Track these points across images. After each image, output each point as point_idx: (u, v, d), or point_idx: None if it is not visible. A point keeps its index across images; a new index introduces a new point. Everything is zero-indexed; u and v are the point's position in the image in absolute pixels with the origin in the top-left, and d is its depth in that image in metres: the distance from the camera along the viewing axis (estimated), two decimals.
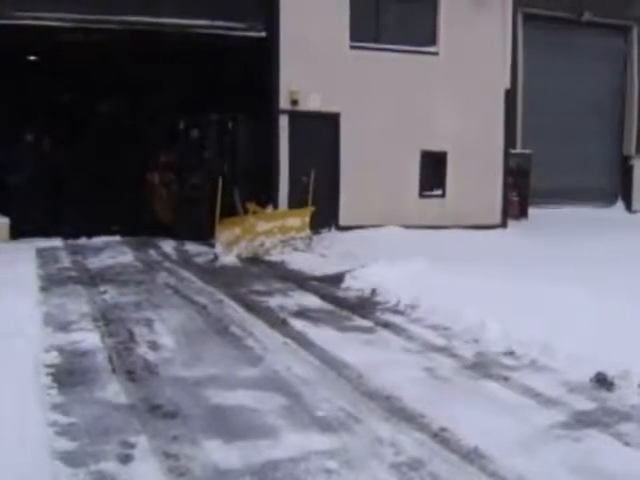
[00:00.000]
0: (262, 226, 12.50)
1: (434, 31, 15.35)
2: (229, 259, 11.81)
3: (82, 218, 13.72)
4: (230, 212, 12.64)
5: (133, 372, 5.80)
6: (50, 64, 15.01)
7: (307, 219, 12.98)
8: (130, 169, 15.83)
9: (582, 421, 4.88)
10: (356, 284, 9.57)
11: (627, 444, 4.51)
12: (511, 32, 15.97)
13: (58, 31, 12.93)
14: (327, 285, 9.87)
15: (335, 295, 9.24)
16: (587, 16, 19.15)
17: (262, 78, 14.13)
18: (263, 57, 13.98)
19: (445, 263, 9.76)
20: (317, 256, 12.12)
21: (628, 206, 20.66)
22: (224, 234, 12.05)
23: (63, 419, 4.67)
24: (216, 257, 11.69)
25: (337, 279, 10.05)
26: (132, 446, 4.30)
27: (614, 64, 20.56)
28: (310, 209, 13.07)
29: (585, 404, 5.22)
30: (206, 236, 12.46)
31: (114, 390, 5.32)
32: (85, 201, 14.62)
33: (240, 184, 13.34)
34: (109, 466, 4.04)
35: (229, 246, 11.96)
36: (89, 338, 6.76)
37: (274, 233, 12.54)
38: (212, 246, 12.33)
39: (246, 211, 13.05)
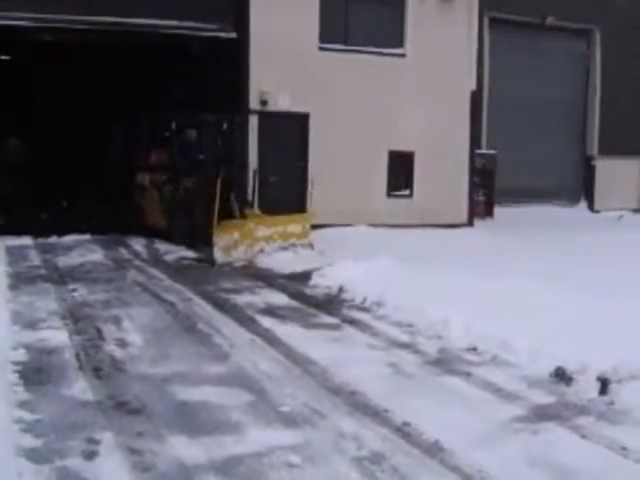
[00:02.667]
0: (262, 231, 11.97)
1: (402, 33, 15.52)
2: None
3: (52, 217, 13.59)
4: (227, 217, 12.05)
5: (100, 369, 5.81)
6: (21, 64, 14.89)
7: (308, 226, 12.54)
8: (102, 168, 15.71)
9: (541, 415, 4.98)
10: (324, 282, 9.65)
11: (584, 437, 4.60)
12: (477, 35, 16.23)
13: (29, 31, 12.84)
14: (295, 283, 9.94)
15: (303, 293, 9.31)
16: (551, 20, 19.44)
17: (233, 79, 14.15)
18: (233, 58, 14.00)
19: (411, 261, 9.85)
20: (286, 255, 12.15)
21: (591, 205, 20.97)
22: (222, 238, 11.44)
23: (29, 416, 4.67)
24: (214, 262, 11.21)
25: (305, 277, 10.12)
26: (97, 442, 4.32)
27: (577, 67, 20.89)
28: (311, 215, 12.62)
29: (544, 398, 5.32)
30: (201, 241, 11.92)
31: (81, 387, 5.34)
32: (55, 200, 14.49)
33: (237, 187, 12.90)
34: (74, 462, 4.06)
35: (227, 251, 11.46)
36: (57, 336, 6.76)
37: (274, 239, 12.02)
38: (190, 247, 12.17)
39: (243, 216, 12.66)
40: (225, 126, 13.21)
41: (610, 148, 20.47)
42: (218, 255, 11.28)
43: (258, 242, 11.84)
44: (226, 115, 13.41)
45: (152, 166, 14.31)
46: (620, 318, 6.75)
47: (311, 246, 12.22)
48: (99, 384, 5.45)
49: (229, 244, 11.50)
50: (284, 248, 11.94)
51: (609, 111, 20.38)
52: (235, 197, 12.59)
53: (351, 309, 8.33)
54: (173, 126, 13.46)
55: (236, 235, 11.67)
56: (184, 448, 4.30)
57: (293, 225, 12.39)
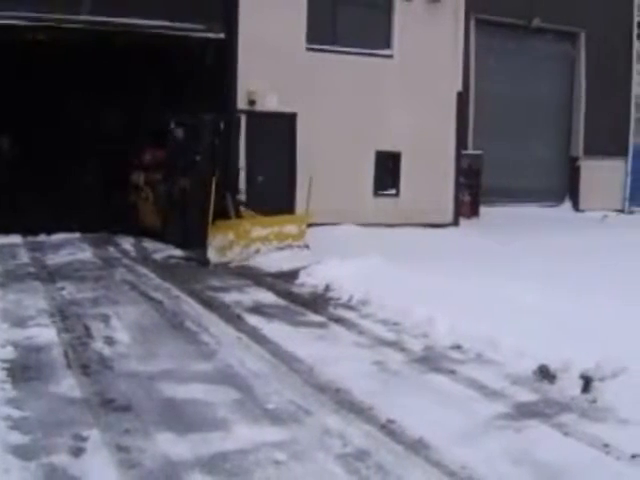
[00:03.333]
0: (258, 232, 11.75)
1: (389, 35, 15.61)
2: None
3: (42, 215, 13.53)
4: (222, 217, 11.83)
5: (88, 367, 5.83)
6: (11, 63, 14.81)
7: (304, 227, 12.31)
8: (90, 167, 15.64)
9: (524, 412, 5.02)
10: (310, 280, 9.70)
11: (567, 434, 4.64)
12: (463, 37, 16.34)
13: (20, 30, 12.82)
14: (282, 281, 9.98)
15: (290, 291, 9.35)
16: (537, 22, 19.60)
17: (221, 79, 14.18)
18: (222, 58, 14.03)
19: (397, 260, 9.91)
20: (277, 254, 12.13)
21: (575, 205, 21.15)
22: (217, 238, 11.26)
23: (16, 413, 4.68)
24: (207, 262, 11.07)
25: (292, 275, 10.17)
26: (84, 439, 4.33)
27: (562, 69, 21.07)
28: (308, 216, 12.37)
29: (527, 396, 5.37)
30: (196, 241, 11.74)
31: (69, 384, 5.35)
32: (45, 198, 14.41)
33: (233, 188, 12.66)
34: (61, 459, 4.08)
35: (222, 251, 11.27)
36: (45, 333, 6.77)
37: (270, 240, 11.80)
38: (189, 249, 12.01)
39: (239, 216, 12.38)
40: (222, 126, 13.02)
41: (595, 149, 20.64)
42: (212, 255, 11.12)
43: (254, 243, 11.65)
44: (223, 115, 13.34)
45: (147, 165, 14.18)
46: (603, 317, 6.83)
47: (307, 247, 12.03)
48: (87, 381, 5.47)
49: (224, 244, 11.31)
50: (280, 249, 11.75)
51: (594, 112, 20.56)
52: (230, 197, 12.37)
53: (337, 307, 8.37)
54: (171, 125, 13.28)
55: (231, 235, 11.48)
56: (171, 445, 4.32)
57: (289, 226, 12.21)
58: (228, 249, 11.37)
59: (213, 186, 10.92)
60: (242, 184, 13.52)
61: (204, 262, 11.08)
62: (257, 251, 11.56)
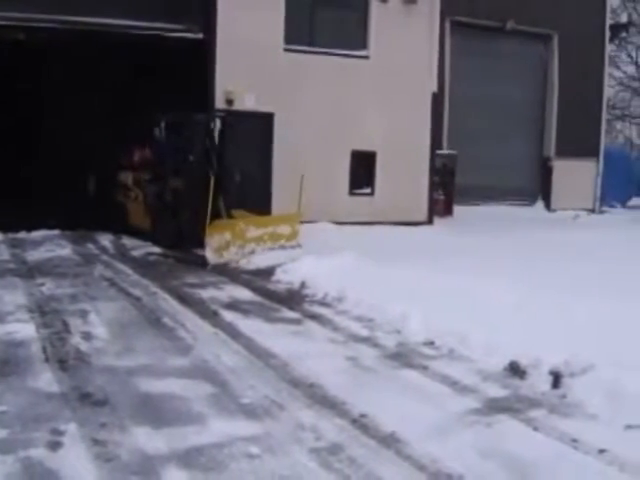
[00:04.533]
0: (252, 232, 11.54)
1: (365, 36, 15.76)
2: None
3: (21, 212, 13.43)
4: (215, 217, 11.50)
5: (66, 362, 5.84)
6: None
7: (297, 227, 12.14)
8: (69, 166, 15.53)
9: (494, 407, 5.09)
10: (286, 277, 9.75)
11: (536, 429, 4.71)
12: (438, 38, 16.48)
13: (1, 29, 12.73)
14: (259, 278, 10.01)
15: (266, 288, 9.39)
16: (511, 25, 19.84)
17: (199, 78, 14.20)
18: (200, 58, 14.05)
19: (372, 258, 9.98)
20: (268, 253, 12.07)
21: (547, 205, 21.43)
22: (214, 238, 10.96)
23: None
24: (205, 262, 10.79)
25: (268, 273, 10.21)
26: (61, 433, 4.36)
27: (536, 70, 21.32)
28: (300, 215, 12.17)
29: (498, 391, 5.44)
30: (189, 243, 11.66)
31: (46, 379, 5.37)
32: (24, 195, 14.29)
33: (225, 189, 12.43)
34: (38, 452, 4.10)
35: (219, 251, 11.02)
36: (24, 329, 6.77)
37: (264, 240, 11.63)
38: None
39: (230, 216, 12.21)
40: (213, 125, 12.97)
41: (567, 150, 20.90)
42: (210, 256, 10.86)
43: (249, 243, 11.45)
44: (218, 114, 13.33)
45: (135, 165, 13.94)
46: (574, 314, 6.92)
47: (300, 246, 11.85)
48: (65, 376, 5.48)
49: (221, 245, 11.07)
50: (273, 249, 11.57)
51: (566, 114, 20.81)
52: (222, 196, 12.18)
53: (312, 304, 8.42)
54: (162, 124, 12.99)
55: (227, 236, 11.22)
56: (147, 439, 4.36)
57: (282, 226, 12.03)
58: (225, 250, 11.13)
59: (212, 186, 10.66)
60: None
61: (202, 263, 10.81)
62: (252, 252, 11.38)
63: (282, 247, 11.69)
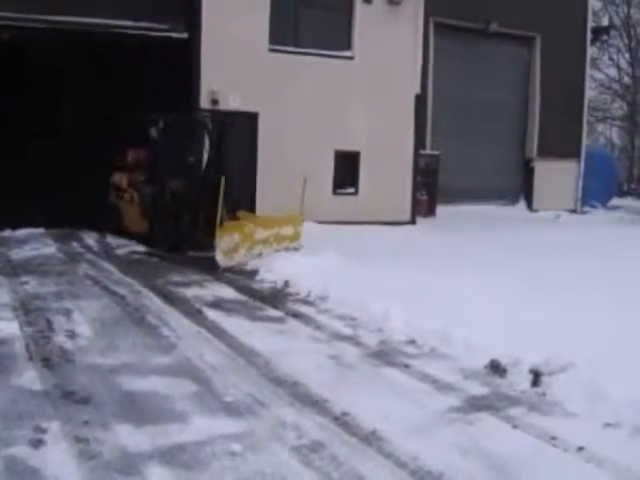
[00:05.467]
0: (260, 234, 11.22)
1: (349, 36, 15.81)
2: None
3: (7, 210, 13.34)
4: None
5: (49, 360, 5.84)
6: None
7: (300, 228, 11.91)
8: (54, 164, 15.44)
9: (475, 405, 5.14)
10: (270, 276, 9.77)
11: (515, 427, 4.76)
12: (422, 40, 16.58)
13: None
14: (242, 277, 10.02)
15: (249, 287, 9.40)
16: (494, 27, 19.96)
17: (184, 78, 14.18)
18: (185, 57, 14.03)
19: (355, 257, 10.03)
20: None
21: (529, 205, 21.60)
22: (224, 240, 10.52)
23: None
24: (216, 265, 10.38)
25: (252, 272, 10.23)
26: (44, 431, 4.36)
27: (518, 72, 21.48)
28: (301, 216, 11.94)
29: (479, 389, 5.49)
30: (189, 246, 11.40)
31: (30, 377, 5.36)
32: (9, 194, 14.18)
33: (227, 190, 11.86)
34: (20, 450, 4.10)
35: (229, 254, 10.60)
36: (8, 327, 6.74)
37: (271, 242, 11.36)
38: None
39: (234, 217, 11.84)
40: (213, 125, 12.76)
41: (548, 150, 21.06)
42: (220, 258, 10.48)
43: (257, 245, 11.14)
44: (215, 115, 13.20)
45: (130, 166, 13.53)
46: (554, 312, 7.03)
47: (301, 248, 11.66)
48: (48, 374, 5.48)
49: (230, 247, 10.63)
50: (277, 251, 11.31)
51: (548, 115, 20.98)
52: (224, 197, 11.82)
53: (296, 303, 8.45)
54: (160, 124, 12.63)
55: (236, 237, 10.81)
56: (129, 437, 4.37)
57: (286, 227, 11.78)
58: (234, 252, 10.74)
59: (222, 186, 10.28)
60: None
61: (213, 266, 10.38)
62: (259, 254, 11.03)
63: (286, 249, 11.48)
